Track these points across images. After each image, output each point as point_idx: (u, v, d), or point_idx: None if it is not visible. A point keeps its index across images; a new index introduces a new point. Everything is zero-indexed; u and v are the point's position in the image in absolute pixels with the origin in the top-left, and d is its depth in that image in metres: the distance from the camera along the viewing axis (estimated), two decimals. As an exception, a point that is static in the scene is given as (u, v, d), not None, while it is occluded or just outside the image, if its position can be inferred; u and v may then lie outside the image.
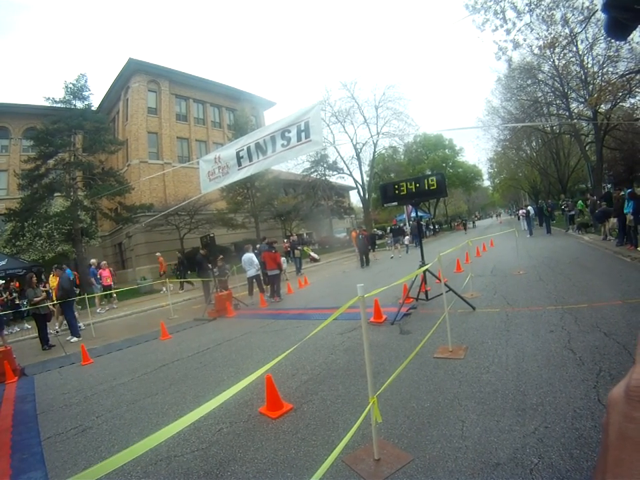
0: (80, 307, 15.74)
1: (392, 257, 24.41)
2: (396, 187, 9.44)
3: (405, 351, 6.01)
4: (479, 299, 8.83)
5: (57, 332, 12.93)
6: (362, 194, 44.20)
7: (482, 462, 3.07)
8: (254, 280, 14.40)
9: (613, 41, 18.06)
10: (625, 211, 12.79)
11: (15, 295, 15.30)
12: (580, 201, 16.09)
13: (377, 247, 30.78)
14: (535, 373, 4.52)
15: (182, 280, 22.51)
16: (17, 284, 16.84)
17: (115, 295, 19.01)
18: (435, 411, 4.02)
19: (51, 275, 14.77)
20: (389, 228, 34.39)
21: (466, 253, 13.72)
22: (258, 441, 3.99)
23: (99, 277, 18.64)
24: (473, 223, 66.31)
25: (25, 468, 4.20)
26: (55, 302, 12.47)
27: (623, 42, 17.26)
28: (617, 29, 1.05)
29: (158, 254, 24.79)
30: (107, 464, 1.45)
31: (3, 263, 19.38)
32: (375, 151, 45.33)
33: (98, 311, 17.38)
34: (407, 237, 27.75)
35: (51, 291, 14.01)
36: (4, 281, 15.85)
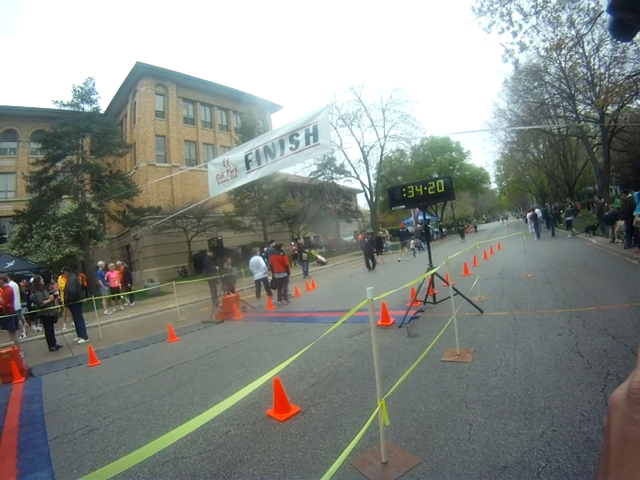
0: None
1: (399, 260, 24.39)
2: (404, 190, 9.44)
3: (412, 354, 6.00)
4: (486, 302, 8.80)
5: (63, 333, 12.97)
6: (369, 197, 44.29)
7: (489, 465, 3.06)
8: (261, 283, 14.43)
9: (619, 41, 18.02)
10: (634, 213, 12.72)
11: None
12: (617, 199, 15.15)
13: (383, 250, 30.85)
14: (542, 376, 4.50)
15: (130, 292, 20.24)
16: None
17: (122, 297, 19.07)
18: (442, 414, 4.01)
19: (60, 277, 14.84)
20: (382, 232, 34.27)
21: (473, 256, 13.69)
22: (265, 443, 4.00)
23: (106, 279, 18.73)
24: (475, 227, 62.12)
25: (32, 468, 4.21)
26: (63, 304, 12.56)
27: (628, 42, 17.21)
28: (622, 29, 1.05)
29: (119, 262, 24.42)
30: (116, 465, 1.46)
31: (11, 264, 19.53)
32: (382, 154, 45.44)
33: (105, 312, 17.44)
34: (412, 241, 27.64)
35: (58, 292, 14.12)
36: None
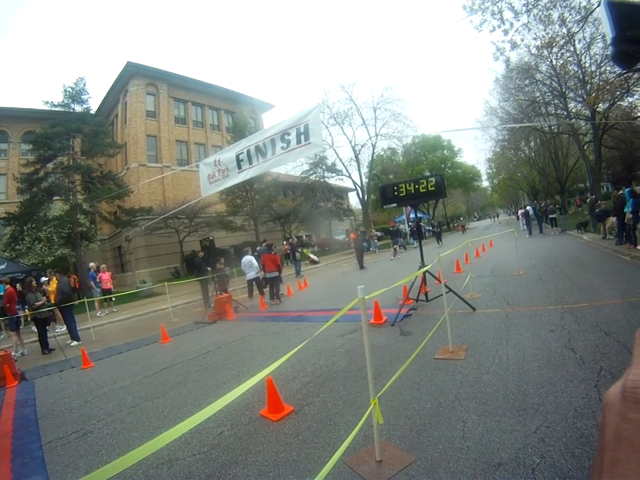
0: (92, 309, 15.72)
1: (392, 259, 24.43)
2: (395, 188, 9.45)
3: (405, 352, 6.01)
4: (479, 300, 8.83)
5: (55, 335, 12.88)
6: (361, 195, 44.25)
7: (484, 462, 3.07)
8: (254, 282, 14.40)
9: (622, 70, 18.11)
10: (625, 210, 12.79)
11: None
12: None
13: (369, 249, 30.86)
14: (535, 372, 4.52)
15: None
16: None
17: (113, 299, 18.96)
18: (436, 411, 4.02)
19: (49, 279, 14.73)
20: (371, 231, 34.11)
21: (465, 254, 13.72)
22: (259, 444, 3.99)
23: (98, 280, 18.63)
24: (463, 227, 53.46)
25: (26, 472, 4.19)
26: (54, 306, 12.48)
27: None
28: (626, 60, 1.05)
29: (103, 266, 23.53)
30: (110, 468, 1.45)
31: (3, 266, 19.34)
32: (373, 153, 45.43)
33: (98, 314, 17.36)
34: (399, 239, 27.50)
35: (48, 294, 14.02)
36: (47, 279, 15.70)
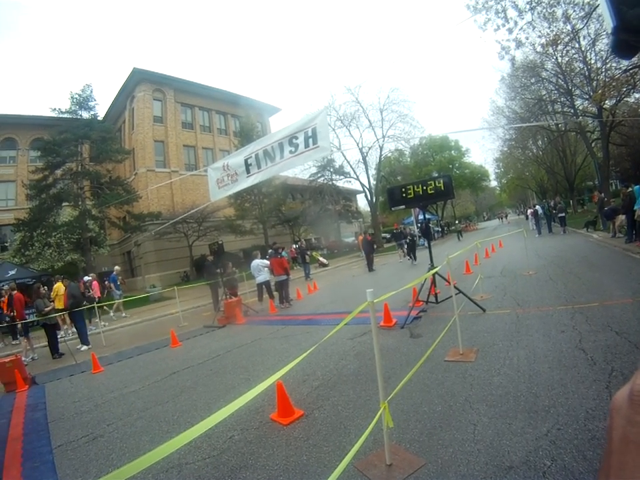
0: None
1: (400, 261, 24.42)
2: (403, 190, 9.41)
3: (415, 354, 5.99)
4: (489, 301, 8.78)
5: (65, 340, 12.93)
6: (369, 197, 44.15)
7: (494, 465, 3.05)
8: (263, 286, 14.42)
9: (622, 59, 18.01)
10: (635, 207, 12.68)
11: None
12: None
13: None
14: (546, 374, 4.48)
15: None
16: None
17: (105, 307, 18.89)
18: (446, 414, 4.00)
19: (57, 283, 14.81)
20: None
21: (475, 255, 13.67)
22: (269, 448, 3.99)
23: (119, 283, 18.71)
24: (460, 233, 41.44)
25: (37, 476, 4.22)
26: (64, 311, 12.53)
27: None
28: (626, 50, 1.04)
29: (92, 274, 23.10)
30: (120, 473, 1.45)
31: (13, 272, 19.54)
32: (381, 154, 45.20)
33: (111, 314, 17.49)
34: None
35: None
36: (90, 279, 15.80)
